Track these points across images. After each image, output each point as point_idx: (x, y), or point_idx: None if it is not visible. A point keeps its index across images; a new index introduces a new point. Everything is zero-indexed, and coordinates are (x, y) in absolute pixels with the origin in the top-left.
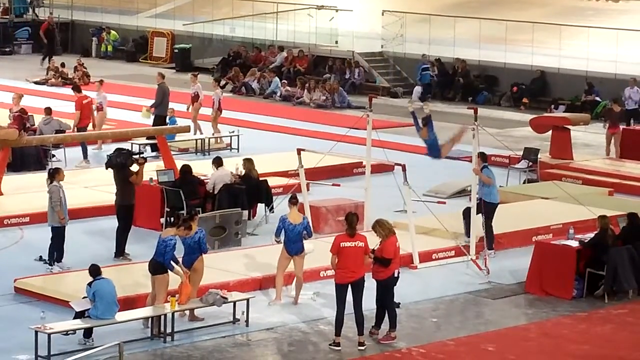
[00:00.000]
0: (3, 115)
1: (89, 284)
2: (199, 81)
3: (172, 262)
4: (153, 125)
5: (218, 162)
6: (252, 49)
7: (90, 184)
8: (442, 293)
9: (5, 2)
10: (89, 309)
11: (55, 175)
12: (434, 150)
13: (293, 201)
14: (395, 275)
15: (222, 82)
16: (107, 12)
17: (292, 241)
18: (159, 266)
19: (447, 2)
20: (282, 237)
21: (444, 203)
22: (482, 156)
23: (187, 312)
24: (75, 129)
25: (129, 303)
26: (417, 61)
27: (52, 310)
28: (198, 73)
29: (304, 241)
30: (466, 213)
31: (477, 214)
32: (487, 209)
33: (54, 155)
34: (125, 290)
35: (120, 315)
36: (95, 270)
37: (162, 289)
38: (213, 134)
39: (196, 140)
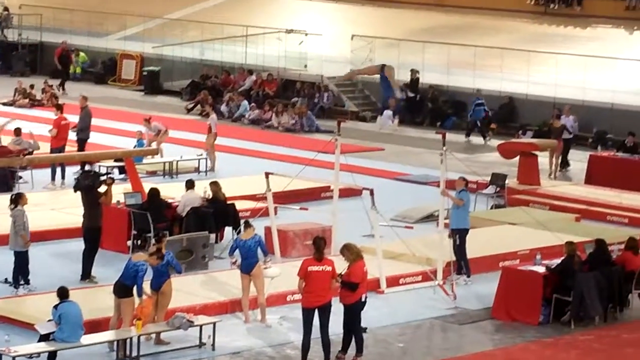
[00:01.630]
0: None
1: (55, 307)
2: (153, 122)
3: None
4: (78, 150)
5: (190, 185)
6: (221, 72)
7: (57, 205)
8: (409, 318)
9: None
10: (54, 332)
11: (18, 200)
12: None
13: (247, 224)
14: (363, 299)
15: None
16: (76, 33)
17: (243, 257)
18: (126, 289)
19: (416, 27)
20: (239, 259)
21: (412, 228)
22: (464, 180)
23: (153, 336)
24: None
25: (95, 326)
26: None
27: (16, 332)
28: (150, 117)
29: (273, 266)
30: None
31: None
32: (459, 234)
33: (20, 177)
34: (91, 313)
35: (86, 339)
36: (63, 293)
37: (128, 312)
38: (211, 158)
39: (164, 163)
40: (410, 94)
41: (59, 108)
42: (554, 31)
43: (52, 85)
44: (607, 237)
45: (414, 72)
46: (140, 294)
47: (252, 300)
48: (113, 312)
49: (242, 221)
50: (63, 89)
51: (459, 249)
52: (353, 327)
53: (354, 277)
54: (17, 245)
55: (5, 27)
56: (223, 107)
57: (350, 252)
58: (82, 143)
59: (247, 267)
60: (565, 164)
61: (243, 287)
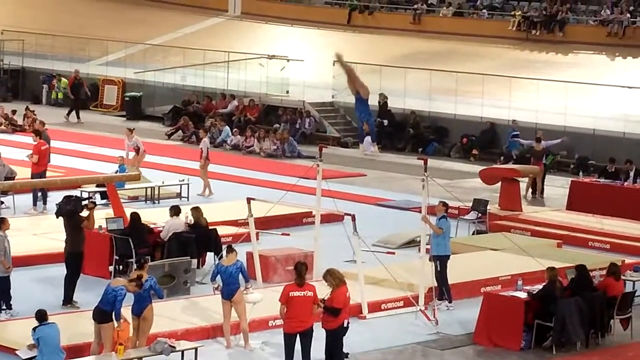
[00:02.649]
0: None
1: (34, 329)
2: (135, 134)
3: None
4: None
5: (175, 211)
6: (203, 97)
7: (39, 231)
8: (391, 343)
9: None
10: (35, 357)
11: (0, 224)
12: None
13: (229, 249)
14: (345, 325)
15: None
16: (58, 59)
17: (225, 283)
18: (105, 314)
19: (397, 53)
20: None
21: (394, 253)
22: (445, 205)
23: None
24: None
25: (76, 351)
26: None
27: None
28: (134, 129)
29: (255, 291)
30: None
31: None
32: (440, 260)
33: (2, 202)
34: (73, 338)
35: None
36: (41, 316)
37: (108, 337)
38: (204, 185)
39: (146, 188)
40: (380, 120)
41: (38, 134)
42: (536, 57)
43: (33, 111)
44: (589, 263)
45: (382, 96)
46: (118, 319)
47: (233, 325)
48: (93, 338)
49: (225, 246)
50: (78, 118)
51: (440, 275)
52: (335, 352)
53: (336, 303)
54: None
55: None
56: None
57: (333, 278)
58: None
59: (229, 293)
60: (541, 189)
61: (224, 313)
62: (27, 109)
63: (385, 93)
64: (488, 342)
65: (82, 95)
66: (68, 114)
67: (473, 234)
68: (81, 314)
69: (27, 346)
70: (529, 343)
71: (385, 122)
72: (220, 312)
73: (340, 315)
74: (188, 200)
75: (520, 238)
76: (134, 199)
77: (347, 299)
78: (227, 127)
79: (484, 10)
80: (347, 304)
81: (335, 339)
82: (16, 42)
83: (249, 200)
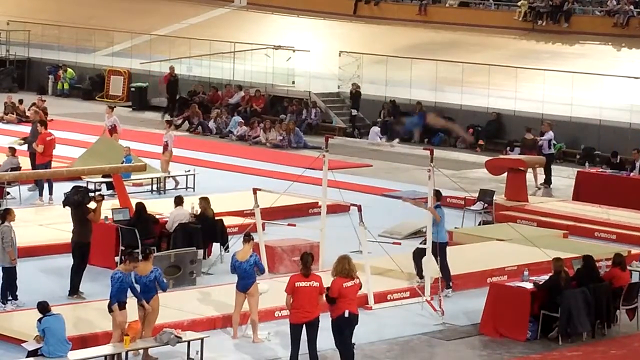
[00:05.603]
0: None
1: (39, 320)
2: (114, 114)
3: (115, 300)
4: (31, 161)
5: (178, 201)
6: (209, 88)
7: (45, 221)
8: (397, 334)
9: None
10: (40, 348)
11: (6, 215)
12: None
13: (246, 238)
14: (346, 315)
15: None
16: (64, 50)
17: (240, 277)
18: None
19: (403, 43)
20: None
21: (399, 244)
22: (437, 194)
23: (141, 352)
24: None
25: (83, 342)
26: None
27: (4, 348)
28: (115, 106)
29: (261, 281)
30: (416, 254)
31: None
32: (439, 248)
33: (8, 193)
34: (79, 329)
35: (73, 354)
36: (43, 307)
37: (114, 324)
38: (166, 175)
39: (152, 179)
40: (352, 110)
41: (44, 124)
42: (542, 48)
43: (44, 100)
44: (595, 253)
45: (354, 85)
46: (112, 303)
47: (242, 316)
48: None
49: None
50: (163, 117)
51: (440, 263)
52: (336, 342)
53: (330, 292)
54: (5, 261)
55: None
56: (211, 124)
57: (335, 267)
58: (33, 157)
59: (244, 286)
60: (549, 180)
61: (236, 303)
62: (40, 100)
63: (357, 82)
64: (494, 332)
65: (177, 94)
66: (171, 116)
67: (479, 224)
68: (87, 305)
69: (34, 338)
70: (535, 333)
71: (354, 112)
72: (227, 303)
73: (339, 305)
74: (194, 191)
75: (527, 228)
76: (138, 185)
77: (343, 290)
78: (238, 117)
79: (490, 1)
80: (343, 295)
81: (336, 328)
82: (22, 32)
83: (255, 190)
